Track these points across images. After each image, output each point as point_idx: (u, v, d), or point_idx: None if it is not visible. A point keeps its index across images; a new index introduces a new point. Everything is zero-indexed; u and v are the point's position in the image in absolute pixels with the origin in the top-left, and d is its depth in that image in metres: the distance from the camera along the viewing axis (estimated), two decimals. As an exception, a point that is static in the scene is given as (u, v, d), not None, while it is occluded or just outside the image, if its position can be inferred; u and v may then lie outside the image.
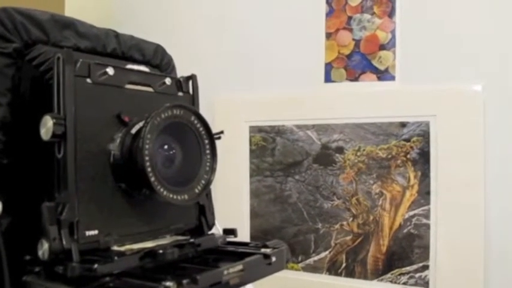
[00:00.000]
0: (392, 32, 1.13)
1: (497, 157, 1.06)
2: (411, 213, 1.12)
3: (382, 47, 1.14)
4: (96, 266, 0.42)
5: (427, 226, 1.10)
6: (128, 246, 0.49)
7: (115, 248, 0.48)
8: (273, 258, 0.53)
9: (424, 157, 1.11)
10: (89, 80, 0.47)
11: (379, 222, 1.14)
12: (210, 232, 0.59)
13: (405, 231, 1.12)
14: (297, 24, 1.21)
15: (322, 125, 1.19)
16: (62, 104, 0.45)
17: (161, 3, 1.38)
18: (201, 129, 0.53)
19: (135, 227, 0.51)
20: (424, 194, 1.11)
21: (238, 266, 0.48)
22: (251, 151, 1.25)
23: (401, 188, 1.13)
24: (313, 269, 1.20)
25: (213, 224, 0.60)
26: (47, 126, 0.44)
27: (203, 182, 0.53)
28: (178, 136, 0.52)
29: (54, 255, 0.44)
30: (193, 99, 0.59)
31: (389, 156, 1.13)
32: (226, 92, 1.28)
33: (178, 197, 0.50)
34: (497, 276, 1.06)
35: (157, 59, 0.64)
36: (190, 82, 0.59)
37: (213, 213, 0.61)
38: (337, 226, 1.18)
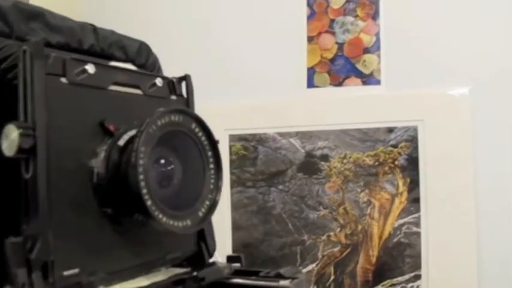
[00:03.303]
0: (377, 35, 1.05)
1: (487, 161, 0.99)
2: (401, 221, 1.03)
3: (367, 50, 1.05)
4: None
5: (418, 234, 1.02)
6: (117, 286, 0.37)
7: None
8: (293, 293, 0.43)
9: (412, 163, 1.03)
10: (64, 80, 0.36)
11: (367, 232, 1.05)
12: (211, 260, 0.48)
13: (395, 240, 1.03)
14: (278, 27, 1.11)
15: (305, 132, 1.09)
16: (30, 109, 0.33)
17: (139, 2, 1.26)
18: (203, 138, 0.42)
19: (125, 261, 0.39)
20: (414, 201, 1.02)
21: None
22: (231, 161, 1.14)
23: (390, 195, 1.04)
24: (300, 282, 1.09)
25: (214, 250, 0.49)
26: (10, 139, 0.32)
27: (207, 203, 0.42)
28: (177, 148, 0.41)
29: (24, 307, 0.32)
30: (188, 103, 0.49)
31: (377, 163, 1.05)
32: (204, 99, 1.15)
33: (180, 224, 0.39)
34: (490, 285, 0.99)
35: (142, 58, 0.52)
36: (184, 83, 0.48)
37: (213, 238, 0.50)
38: (324, 237, 1.08)
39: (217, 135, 1.19)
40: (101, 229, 0.38)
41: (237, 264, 0.48)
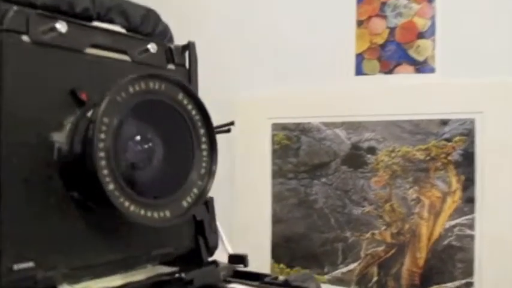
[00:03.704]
0: (432, 19, 0.96)
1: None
2: (453, 222, 0.94)
3: (421, 35, 0.97)
4: None
5: (471, 237, 0.92)
6: (83, 285, 0.32)
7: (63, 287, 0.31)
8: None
9: (468, 159, 0.93)
10: (26, 38, 0.31)
11: (415, 232, 0.97)
12: (211, 259, 0.42)
13: (446, 242, 0.94)
14: (325, 11, 1.04)
15: (352, 123, 1.02)
16: None
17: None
18: (193, 112, 0.36)
19: (96, 255, 0.34)
20: (468, 201, 0.93)
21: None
22: (273, 151, 1.09)
23: (442, 194, 0.95)
24: (341, 281, 1.03)
25: (216, 246, 0.43)
26: None
27: (195, 191, 0.36)
28: (159, 123, 0.35)
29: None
30: (190, 75, 0.42)
31: (428, 157, 0.96)
32: (247, 87, 1.12)
33: (155, 215, 0.33)
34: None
35: (148, 27, 0.47)
36: (187, 53, 0.42)
37: (215, 232, 0.43)
38: (368, 235, 1.01)
39: (259, 124, 1.15)
40: (66, 216, 0.32)
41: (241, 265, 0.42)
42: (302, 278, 0.41)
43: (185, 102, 0.36)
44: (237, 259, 0.42)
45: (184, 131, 0.36)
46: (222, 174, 1.10)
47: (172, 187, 0.35)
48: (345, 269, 1.02)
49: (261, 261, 1.09)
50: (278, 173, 1.09)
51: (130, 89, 0.32)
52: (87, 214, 0.33)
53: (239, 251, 1.09)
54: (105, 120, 0.30)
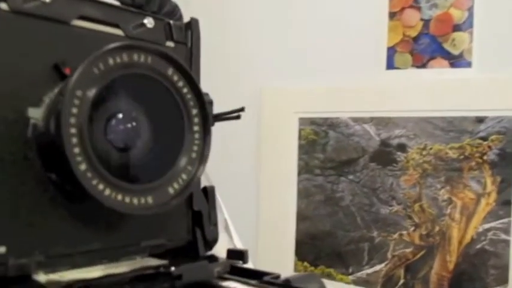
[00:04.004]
0: (470, 10, 0.90)
1: None
2: (487, 226, 0.89)
3: (457, 28, 0.91)
4: None
5: (507, 243, 0.87)
6: (60, 274, 0.29)
7: (38, 277, 0.29)
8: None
9: (505, 159, 0.87)
10: (4, 6, 0.29)
11: (446, 234, 0.92)
12: (209, 253, 0.39)
13: (478, 246, 0.89)
14: (355, 2, 1.00)
15: (382, 118, 0.98)
16: None
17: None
18: (185, 90, 0.33)
19: (78, 243, 0.31)
20: (504, 203, 0.87)
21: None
22: (300, 146, 1.06)
23: (476, 195, 0.90)
24: (366, 283, 0.99)
25: (215, 240, 0.40)
26: None
27: (184, 176, 0.33)
28: (145, 100, 0.32)
29: None
30: (192, 55, 0.39)
31: (462, 156, 0.91)
32: (274, 79, 1.09)
33: (135, 201, 0.30)
34: None
35: (154, 5, 0.44)
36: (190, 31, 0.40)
37: (215, 224, 0.40)
38: (395, 236, 0.96)
39: (286, 118, 1.12)
40: (43, 199, 0.30)
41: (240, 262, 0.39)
42: (306, 278, 0.37)
43: (175, 78, 0.33)
44: (236, 254, 0.39)
45: (174, 111, 0.33)
46: (247, 169, 1.08)
47: (158, 171, 0.32)
48: (370, 270, 0.98)
49: (284, 259, 1.06)
50: (304, 169, 1.06)
51: (110, 61, 0.29)
52: (68, 198, 0.31)
53: (263, 247, 1.07)
54: (78, 93, 0.28)
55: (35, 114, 0.29)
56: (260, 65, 1.09)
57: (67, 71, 0.31)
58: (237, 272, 0.38)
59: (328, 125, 1.03)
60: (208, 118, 0.35)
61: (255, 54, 1.10)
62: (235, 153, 1.11)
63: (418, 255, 0.94)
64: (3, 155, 0.29)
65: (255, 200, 1.09)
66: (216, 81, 1.11)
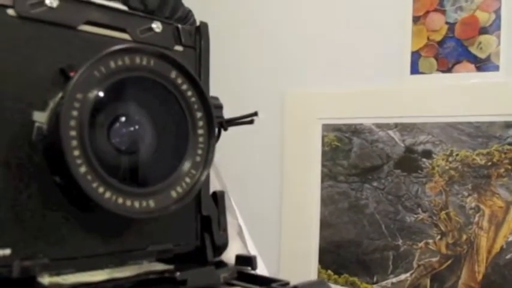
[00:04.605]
0: (497, 12, 0.88)
1: None
2: (516, 235, 0.85)
3: (483, 31, 0.89)
4: None
5: (538, 252, 0.83)
6: (64, 277, 0.29)
7: (42, 279, 0.29)
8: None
9: (535, 166, 0.84)
10: (11, 12, 0.29)
11: (474, 244, 0.89)
12: (217, 259, 0.38)
13: (508, 257, 0.86)
14: (379, 6, 0.99)
15: (406, 124, 0.96)
16: None
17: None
18: (189, 93, 0.33)
19: (83, 246, 0.31)
20: (535, 211, 0.84)
21: None
22: (323, 152, 1.04)
23: (505, 203, 0.86)
24: (391, 292, 0.96)
25: (224, 246, 0.39)
26: None
27: (188, 180, 0.32)
28: (149, 104, 0.32)
29: None
30: (200, 59, 0.38)
31: (490, 163, 0.88)
32: (297, 85, 1.08)
33: (136, 204, 0.29)
34: None
35: (166, 11, 0.44)
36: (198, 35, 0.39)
37: (224, 229, 0.39)
38: (421, 244, 0.93)
39: (309, 124, 1.11)
40: (48, 202, 0.30)
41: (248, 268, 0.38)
42: (315, 285, 0.36)
43: (179, 81, 0.32)
44: (245, 260, 0.38)
45: (178, 114, 0.32)
46: (270, 176, 1.06)
47: (161, 175, 0.31)
48: (395, 279, 0.96)
49: (308, 267, 1.04)
50: (328, 176, 1.04)
51: (112, 64, 0.29)
52: (73, 201, 0.31)
53: (286, 255, 1.06)
54: (78, 96, 0.28)
55: (40, 117, 0.29)
56: (283, 71, 1.08)
57: (72, 74, 0.31)
58: (245, 278, 0.37)
59: (351, 131, 1.02)
60: (213, 121, 0.34)
61: (278, 60, 1.09)
62: (258, 159, 1.11)
63: (445, 265, 0.91)
64: (10, 158, 0.29)
65: (278, 206, 1.08)
66: (239, 86, 1.12)
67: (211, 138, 0.34)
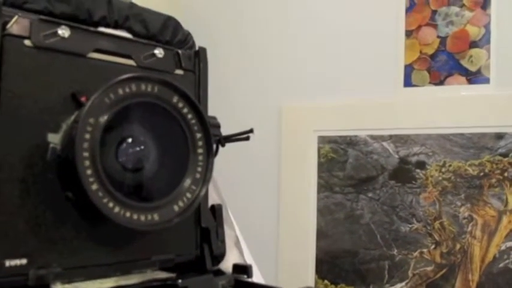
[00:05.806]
0: (487, 27, 0.90)
1: None
2: (509, 244, 0.87)
3: (474, 45, 0.91)
4: None
5: (530, 261, 0.84)
6: (75, 285, 0.31)
7: (55, 287, 0.31)
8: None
9: (526, 176, 0.86)
10: (28, 42, 0.31)
11: (467, 252, 0.90)
12: (216, 268, 0.40)
13: (501, 265, 0.87)
14: (373, 21, 1.01)
15: (400, 136, 0.97)
16: None
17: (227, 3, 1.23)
18: (189, 116, 0.35)
19: (93, 256, 0.33)
20: (526, 220, 0.85)
21: None
22: (320, 164, 1.06)
23: (497, 212, 0.88)
24: (387, 302, 0.97)
25: (222, 255, 0.42)
26: None
27: (189, 195, 0.34)
28: (153, 126, 0.34)
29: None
30: (200, 81, 0.41)
31: (482, 173, 0.89)
32: (293, 98, 1.09)
33: (142, 218, 0.32)
34: None
35: (167, 34, 0.46)
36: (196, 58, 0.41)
37: (222, 241, 0.42)
38: (416, 254, 0.95)
39: (305, 136, 1.12)
40: (61, 216, 0.32)
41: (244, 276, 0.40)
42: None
43: (180, 105, 0.35)
44: (241, 269, 0.40)
45: (180, 135, 0.35)
46: (267, 187, 1.08)
47: (164, 191, 0.34)
48: (391, 289, 0.97)
49: (305, 277, 1.05)
50: (324, 187, 1.05)
51: (120, 91, 0.31)
52: (84, 215, 0.33)
53: (283, 265, 1.07)
54: (91, 120, 0.30)
55: (54, 139, 0.32)
56: (279, 85, 1.10)
57: (83, 99, 0.33)
58: (242, 285, 0.39)
59: (347, 143, 1.03)
60: (211, 142, 0.37)
61: (275, 74, 1.11)
62: (256, 171, 1.12)
63: (440, 274, 0.93)
64: (26, 176, 0.31)
65: (275, 217, 1.09)
66: (236, 101, 1.13)
67: (210, 157, 0.36)
